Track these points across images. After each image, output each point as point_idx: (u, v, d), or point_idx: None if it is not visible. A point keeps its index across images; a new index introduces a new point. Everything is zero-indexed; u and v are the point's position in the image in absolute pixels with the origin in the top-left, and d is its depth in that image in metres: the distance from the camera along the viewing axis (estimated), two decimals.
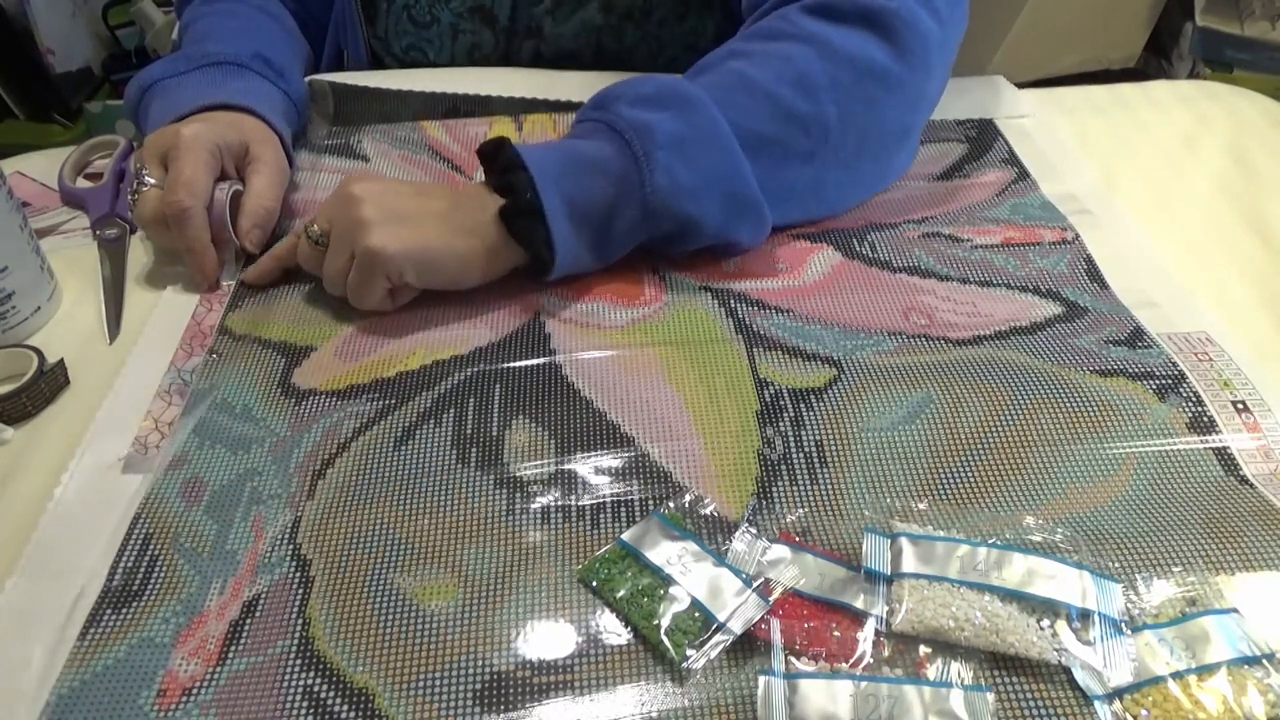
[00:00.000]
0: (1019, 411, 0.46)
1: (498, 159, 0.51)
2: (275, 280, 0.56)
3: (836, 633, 0.36)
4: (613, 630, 0.37)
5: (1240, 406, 0.45)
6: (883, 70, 0.53)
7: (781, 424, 0.45)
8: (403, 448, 0.45)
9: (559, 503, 0.42)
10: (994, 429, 0.45)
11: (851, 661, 0.35)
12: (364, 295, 0.51)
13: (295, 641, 0.37)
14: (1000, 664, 0.35)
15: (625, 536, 0.40)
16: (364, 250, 0.49)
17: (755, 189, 0.52)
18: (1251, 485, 0.42)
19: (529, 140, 0.68)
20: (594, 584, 0.38)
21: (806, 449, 0.44)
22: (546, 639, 0.37)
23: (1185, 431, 0.44)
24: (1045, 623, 0.36)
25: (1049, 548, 0.39)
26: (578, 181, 0.50)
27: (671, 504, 0.41)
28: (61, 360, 0.50)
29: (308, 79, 0.72)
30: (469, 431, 0.46)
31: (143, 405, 0.48)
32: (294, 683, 0.36)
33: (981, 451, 0.44)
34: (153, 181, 0.55)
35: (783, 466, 0.43)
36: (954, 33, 0.58)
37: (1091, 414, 0.45)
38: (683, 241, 0.53)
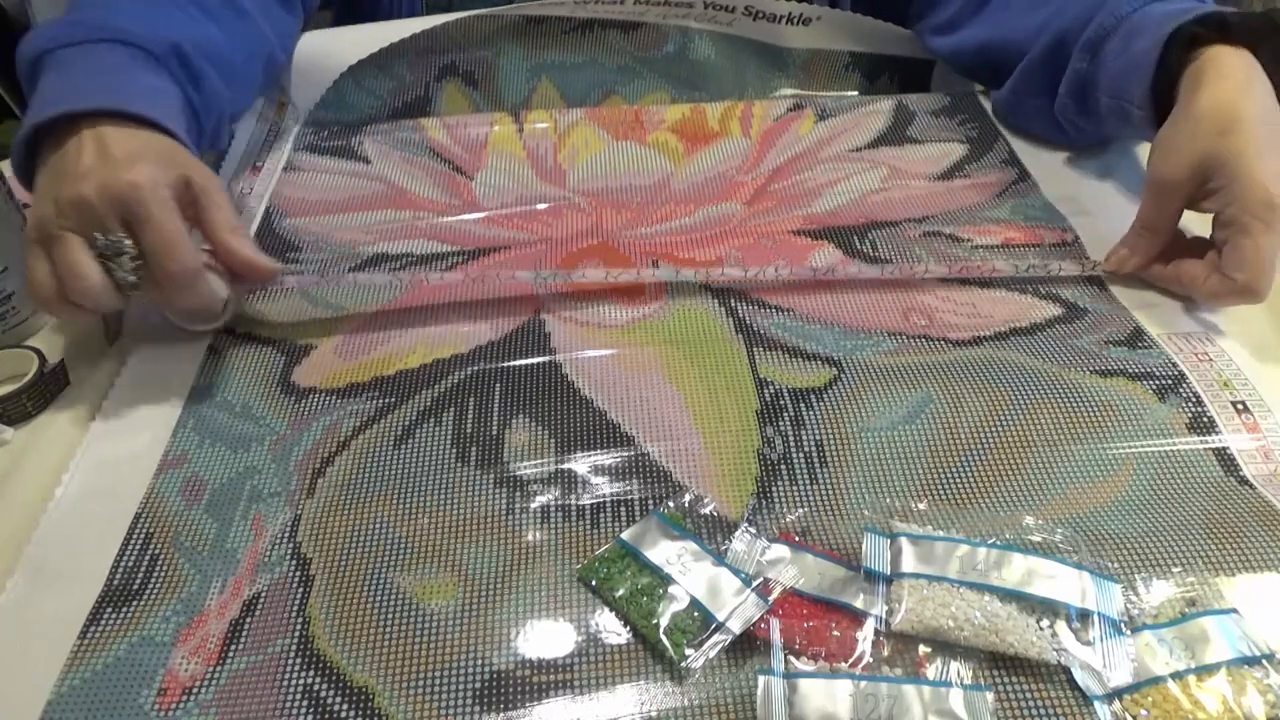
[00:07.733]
0: (1019, 412, 0.46)
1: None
2: None
3: (836, 632, 0.36)
4: (612, 629, 0.37)
5: (1240, 407, 0.45)
6: None
7: (781, 423, 0.45)
8: (402, 446, 0.45)
9: (559, 502, 0.42)
10: (994, 429, 0.45)
11: (851, 661, 0.35)
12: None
13: (295, 640, 0.37)
14: (1000, 664, 0.35)
15: (625, 536, 0.40)
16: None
17: None
18: (1251, 486, 0.42)
19: (529, 141, 0.68)
20: (593, 583, 0.38)
21: (806, 449, 0.44)
22: (546, 638, 0.37)
23: (1185, 432, 0.44)
24: (1045, 623, 0.36)
25: (1048, 548, 0.39)
26: None
27: (671, 503, 0.41)
28: (62, 361, 0.50)
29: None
30: (469, 430, 0.46)
31: (143, 406, 0.48)
32: (294, 682, 0.36)
33: (981, 452, 0.44)
34: (130, 247, 0.45)
35: (782, 466, 0.43)
36: None
37: (1091, 414, 0.45)
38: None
